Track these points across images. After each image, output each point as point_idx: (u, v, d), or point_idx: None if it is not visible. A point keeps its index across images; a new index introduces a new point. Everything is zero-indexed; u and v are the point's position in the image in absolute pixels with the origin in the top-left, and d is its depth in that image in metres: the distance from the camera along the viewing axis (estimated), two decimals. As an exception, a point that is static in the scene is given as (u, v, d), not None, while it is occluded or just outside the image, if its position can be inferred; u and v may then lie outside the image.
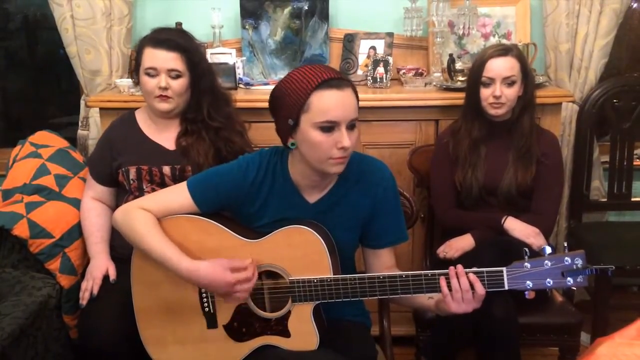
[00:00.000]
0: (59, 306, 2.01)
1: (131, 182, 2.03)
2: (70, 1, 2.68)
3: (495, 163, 2.22)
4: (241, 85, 2.65)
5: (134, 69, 2.04)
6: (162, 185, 2.00)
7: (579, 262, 1.48)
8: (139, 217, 1.63)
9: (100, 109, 2.52)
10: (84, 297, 1.93)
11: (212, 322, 1.67)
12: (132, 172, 2.02)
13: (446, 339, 2.06)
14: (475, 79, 2.16)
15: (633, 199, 2.89)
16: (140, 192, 2.01)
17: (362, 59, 2.79)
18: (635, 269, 2.51)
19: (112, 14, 2.71)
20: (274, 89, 1.58)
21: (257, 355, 1.65)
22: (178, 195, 1.66)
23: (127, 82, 2.57)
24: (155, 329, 1.70)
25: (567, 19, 2.71)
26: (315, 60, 2.81)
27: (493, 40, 2.81)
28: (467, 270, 1.52)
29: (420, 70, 2.70)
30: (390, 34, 2.78)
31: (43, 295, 1.91)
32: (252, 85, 2.69)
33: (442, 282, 1.52)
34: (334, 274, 1.58)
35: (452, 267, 1.53)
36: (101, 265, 1.98)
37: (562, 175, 2.36)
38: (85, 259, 2.08)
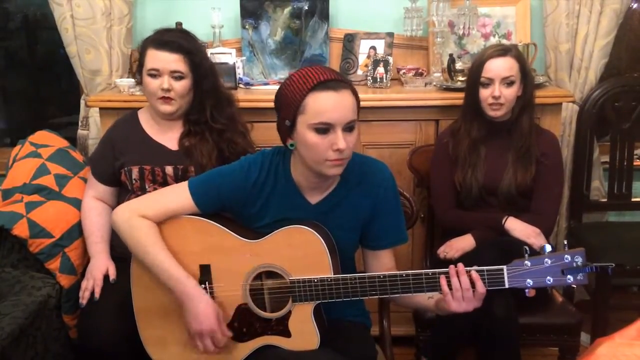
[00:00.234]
0: (59, 306, 2.01)
1: (134, 181, 2.03)
2: (70, 1, 2.67)
3: (495, 163, 2.22)
4: (241, 85, 2.65)
5: (137, 69, 2.05)
6: (165, 185, 1.99)
7: (579, 259, 1.48)
8: (142, 228, 1.63)
9: (100, 108, 2.52)
10: (84, 297, 1.93)
11: (212, 322, 1.67)
12: (135, 171, 2.02)
13: (446, 339, 2.06)
14: (474, 79, 2.16)
15: (633, 199, 2.90)
16: (142, 192, 2.01)
17: (362, 59, 2.79)
18: (635, 269, 2.52)
19: (112, 14, 2.71)
20: (277, 90, 1.58)
21: (258, 355, 1.65)
22: (178, 196, 1.66)
23: (127, 82, 2.57)
24: (155, 330, 1.70)
25: (567, 19, 2.71)
26: (315, 60, 2.81)
27: (493, 40, 2.81)
28: (468, 268, 1.52)
29: (420, 70, 2.70)
30: (391, 34, 2.79)
31: (43, 295, 1.91)
32: (252, 85, 2.69)
33: (443, 280, 1.52)
34: (334, 274, 1.58)
35: (452, 266, 1.53)
36: (101, 265, 1.98)
37: (562, 175, 2.36)
38: (85, 259, 2.08)
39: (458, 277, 1.51)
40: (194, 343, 1.61)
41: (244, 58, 2.80)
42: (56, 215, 2.09)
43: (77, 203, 2.14)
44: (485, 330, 1.94)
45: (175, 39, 1.98)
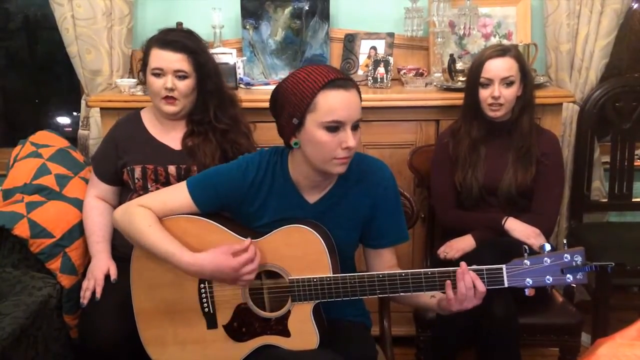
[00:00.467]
0: (60, 306, 2.01)
1: (136, 181, 2.03)
2: (71, 1, 2.68)
3: (495, 163, 2.21)
4: (242, 85, 2.65)
5: (141, 69, 2.05)
6: (167, 184, 1.99)
7: (579, 259, 1.48)
8: (139, 213, 1.63)
9: (101, 108, 2.52)
10: (85, 297, 1.93)
11: (212, 322, 1.67)
12: (138, 171, 2.02)
13: (446, 339, 2.06)
14: (474, 79, 2.17)
15: (634, 200, 2.89)
16: (145, 191, 2.01)
17: (362, 59, 2.80)
18: (636, 269, 2.51)
19: (113, 14, 2.72)
20: (276, 89, 1.58)
21: (257, 355, 1.65)
22: (178, 195, 1.66)
23: (128, 82, 2.57)
24: (155, 330, 1.70)
25: (568, 19, 2.71)
26: (316, 60, 2.81)
27: (494, 40, 2.81)
28: (468, 268, 1.52)
29: (420, 71, 2.70)
30: (391, 34, 2.79)
31: (43, 295, 1.91)
32: (252, 85, 2.69)
33: (448, 285, 1.52)
34: (333, 274, 1.58)
35: (459, 269, 1.52)
36: (102, 265, 1.98)
37: (563, 175, 2.36)
38: (86, 259, 2.09)
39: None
40: (242, 285, 1.60)
41: (244, 58, 2.80)
42: (57, 215, 2.09)
43: (77, 203, 2.14)
44: (485, 331, 1.94)
45: (180, 38, 1.99)
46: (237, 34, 2.86)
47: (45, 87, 3.47)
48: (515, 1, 2.80)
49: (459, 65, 2.58)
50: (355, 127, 1.52)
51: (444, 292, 1.55)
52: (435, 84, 2.62)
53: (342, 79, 1.50)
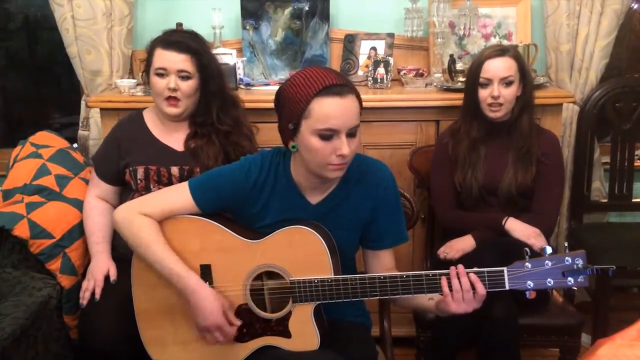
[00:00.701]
0: (60, 306, 2.01)
1: (139, 181, 2.03)
2: (71, 1, 2.68)
3: (495, 163, 2.22)
4: (242, 86, 2.65)
5: (144, 69, 2.05)
6: (169, 186, 1.99)
7: (580, 262, 1.48)
8: (143, 225, 1.62)
9: (101, 109, 2.52)
10: (85, 297, 1.93)
11: (212, 322, 1.67)
12: (140, 171, 2.02)
13: (446, 340, 2.06)
14: (473, 80, 2.17)
15: (634, 200, 2.89)
16: (147, 192, 2.00)
17: (362, 59, 2.80)
18: (636, 270, 2.52)
19: (113, 14, 2.72)
20: (278, 90, 1.58)
21: (258, 356, 1.65)
22: (179, 196, 1.66)
23: (128, 82, 2.57)
24: (156, 330, 1.70)
25: (568, 20, 2.71)
26: (316, 60, 2.81)
27: (494, 40, 2.82)
28: (468, 270, 1.52)
29: (420, 71, 2.70)
30: (391, 35, 2.79)
31: (43, 296, 1.91)
32: (252, 85, 2.69)
33: (443, 282, 1.52)
34: (334, 275, 1.58)
35: (452, 267, 1.53)
36: (102, 265, 1.98)
37: (563, 175, 2.36)
38: (86, 259, 2.08)
39: (458, 278, 1.51)
40: (202, 336, 1.62)
41: (244, 59, 2.80)
42: (57, 216, 2.09)
43: (77, 204, 2.14)
44: (485, 332, 1.94)
45: (184, 39, 1.99)
46: (237, 35, 2.86)
47: (45, 87, 3.47)
48: (515, 2, 2.80)
49: (459, 66, 2.58)
50: (352, 134, 1.51)
51: (442, 294, 1.55)
52: (435, 84, 2.62)
53: (339, 85, 1.48)
